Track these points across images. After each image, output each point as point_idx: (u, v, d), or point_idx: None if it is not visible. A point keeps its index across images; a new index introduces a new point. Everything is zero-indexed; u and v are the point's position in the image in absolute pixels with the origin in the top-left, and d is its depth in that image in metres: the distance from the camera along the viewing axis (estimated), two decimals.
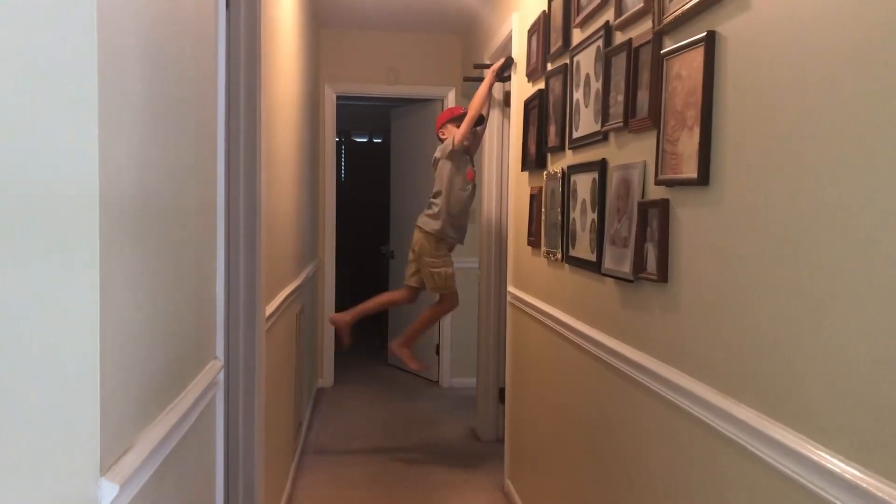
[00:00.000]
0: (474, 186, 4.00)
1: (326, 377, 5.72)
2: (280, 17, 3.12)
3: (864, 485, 1.04)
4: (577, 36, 2.48)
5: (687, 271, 1.64)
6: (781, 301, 1.28)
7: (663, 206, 1.72)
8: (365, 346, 7.19)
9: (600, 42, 2.20)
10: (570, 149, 2.56)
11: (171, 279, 1.42)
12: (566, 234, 2.56)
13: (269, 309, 2.73)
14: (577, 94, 2.45)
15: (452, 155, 3.86)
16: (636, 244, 1.86)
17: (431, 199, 3.98)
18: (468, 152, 3.97)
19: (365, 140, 8.99)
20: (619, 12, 2.04)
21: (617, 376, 2.06)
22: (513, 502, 3.50)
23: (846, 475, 1.08)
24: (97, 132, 1.01)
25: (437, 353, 5.78)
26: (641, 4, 1.87)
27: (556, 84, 2.70)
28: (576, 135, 2.46)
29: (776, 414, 1.29)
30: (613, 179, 2.07)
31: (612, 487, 2.11)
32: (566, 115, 2.59)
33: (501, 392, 4.39)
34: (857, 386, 1.09)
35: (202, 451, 1.71)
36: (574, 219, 2.46)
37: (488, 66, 4.13)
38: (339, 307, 5.99)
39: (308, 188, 4.67)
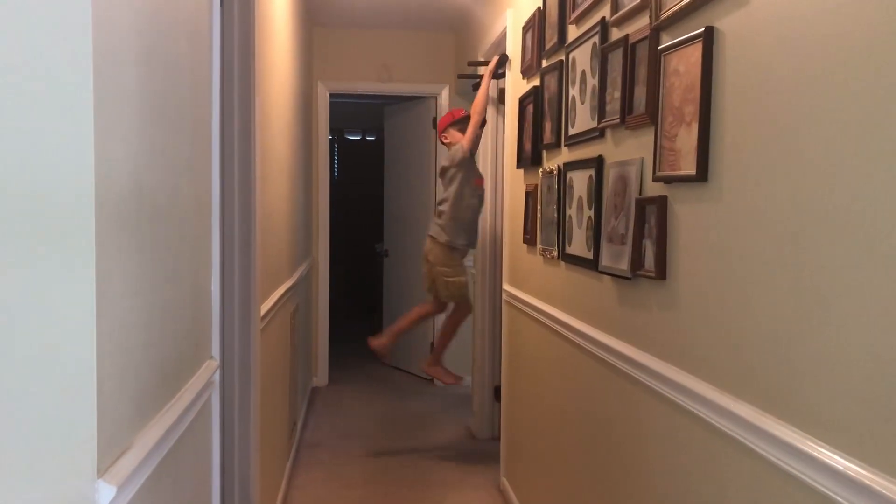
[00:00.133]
0: (483, 192, 4.00)
1: (321, 376, 5.70)
2: (273, 14, 3.10)
3: (867, 481, 1.04)
4: (573, 32, 2.47)
5: (685, 268, 1.63)
6: (781, 298, 1.27)
7: (661, 202, 1.72)
8: (359, 345, 7.18)
9: (596, 38, 2.19)
10: (565, 146, 2.55)
11: (167, 278, 1.41)
12: (562, 231, 2.55)
13: (265, 308, 2.71)
14: (573, 91, 2.44)
15: (463, 163, 3.84)
16: (634, 241, 1.85)
17: (439, 208, 3.96)
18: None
19: (358, 138, 8.97)
20: (615, 8, 2.04)
21: (614, 374, 2.06)
22: (509, 500, 3.50)
23: (848, 472, 1.07)
24: (93, 130, 0.99)
25: (432, 351, 5.76)
26: (638, 1, 1.86)
27: (552, 81, 2.70)
28: (572, 132, 2.46)
29: (776, 411, 1.28)
30: (610, 176, 2.06)
31: (610, 485, 2.10)
32: (562, 111, 2.59)
33: (497, 390, 4.39)
34: (857, 382, 1.09)
35: (198, 452, 1.70)
36: (570, 216, 2.46)
37: (482, 64, 4.13)
38: (334, 306, 5.98)
39: (302, 186, 4.65)
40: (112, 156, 1.08)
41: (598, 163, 2.17)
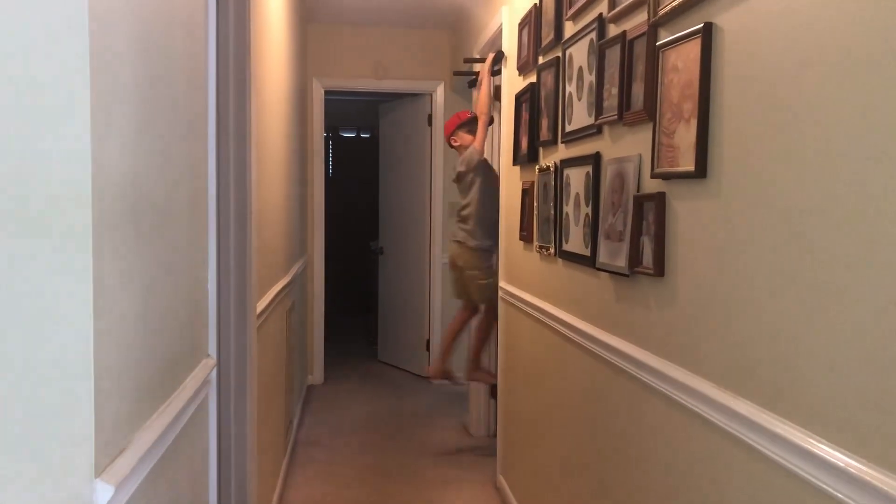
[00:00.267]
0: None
1: (317, 374, 5.69)
2: (268, 11, 3.09)
3: (868, 478, 1.04)
4: (570, 29, 2.47)
5: (684, 265, 1.63)
6: (781, 294, 1.27)
7: (660, 199, 1.71)
8: (354, 343, 7.17)
9: (593, 35, 2.19)
10: (562, 143, 2.55)
11: (164, 276, 1.40)
12: (559, 228, 2.55)
13: (261, 306, 2.70)
14: (570, 88, 2.43)
15: (480, 166, 3.84)
16: (632, 238, 1.85)
17: (462, 213, 3.95)
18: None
19: (353, 135, 8.96)
20: (612, 5, 2.03)
21: (612, 371, 2.05)
22: (505, 498, 3.50)
23: (849, 468, 1.07)
24: (89, 126, 0.98)
25: (428, 349, 5.77)
26: None
27: (548, 77, 2.69)
28: (569, 128, 2.45)
29: (776, 407, 1.28)
30: (608, 173, 2.06)
31: (608, 483, 2.10)
32: (558, 108, 2.58)
33: (493, 388, 4.38)
34: (858, 378, 1.09)
35: (195, 450, 1.69)
36: (567, 213, 2.45)
37: (478, 61, 4.12)
38: (329, 303, 5.97)
39: (297, 184, 4.64)
40: (109, 152, 1.07)
41: (595, 160, 2.17)
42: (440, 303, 5.67)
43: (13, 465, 0.97)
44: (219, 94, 2.12)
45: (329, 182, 6.27)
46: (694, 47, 1.55)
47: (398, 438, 4.47)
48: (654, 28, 1.76)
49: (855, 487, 1.06)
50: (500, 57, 3.63)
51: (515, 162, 3.24)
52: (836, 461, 1.10)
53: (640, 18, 1.86)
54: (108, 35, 1.07)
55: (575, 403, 2.43)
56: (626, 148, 1.96)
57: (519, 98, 3.17)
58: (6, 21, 0.95)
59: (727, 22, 1.45)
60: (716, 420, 1.46)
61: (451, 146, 4.09)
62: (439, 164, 5.65)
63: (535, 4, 2.87)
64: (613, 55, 2.02)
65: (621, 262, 1.92)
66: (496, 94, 4.11)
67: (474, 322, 4.17)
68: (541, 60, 2.83)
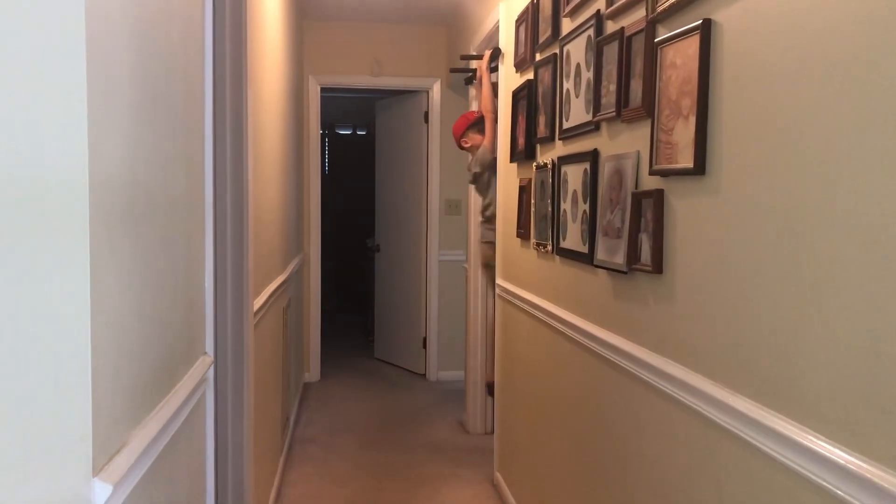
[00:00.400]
0: None
1: (313, 372, 5.69)
2: (264, 8, 3.08)
3: (867, 474, 1.04)
4: (567, 25, 2.46)
5: (682, 262, 1.63)
6: (780, 291, 1.27)
7: (658, 196, 1.71)
8: (351, 340, 7.17)
9: (591, 31, 2.18)
10: (560, 139, 2.54)
11: (161, 273, 1.39)
12: (556, 225, 2.55)
13: (257, 303, 2.70)
14: (568, 84, 2.43)
15: (494, 164, 3.83)
16: (630, 235, 1.85)
17: (486, 213, 3.94)
18: None
19: (349, 133, 8.94)
20: (610, 1, 2.03)
21: (610, 368, 2.05)
22: (502, 495, 3.50)
23: (848, 465, 1.07)
24: (86, 122, 0.98)
25: (424, 346, 5.77)
26: None
27: (546, 74, 2.69)
28: (566, 125, 2.45)
29: (774, 404, 1.28)
30: (606, 170, 2.06)
31: (606, 479, 2.10)
32: (556, 105, 2.58)
33: (490, 385, 4.38)
34: (857, 374, 1.09)
35: (193, 448, 1.69)
36: (565, 210, 2.45)
37: (475, 58, 4.11)
38: (325, 301, 5.97)
39: (293, 181, 4.63)
40: (106, 149, 1.06)
41: (593, 156, 2.16)
42: (437, 300, 5.67)
43: (11, 464, 0.97)
44: (215, 92, 2.11)
45: (325, 179, 6.25)
46: (692, 44, 1.54)
47: (395, 435, 4.46)
48: (652, 24, 1.76)
49: (854, 484, 1.06)
50: (497, 54, 3.62)
51: (512, 159, 3.24)
52: (834, 457, 1.10)
53: (638, 15, 1.86)
54: (105, 32, 1.06)
55: (572, 401, 2.43)
56: (624, 145, 1.96)
57: (516, 95, 3.16)
58: (2, 17, 0.94)
59: (726, 18, 1.45)
60: (713, 416, 1.46)
61: (463, 148, 4.04)
62: (436, 162, 5.65)
63: (533, 1, 2.86)
64: (611, 52, 2.01)
65: (619, 259, 1.92)
66: (493, 90, 4.11)
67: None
68: (538, 57, 2.83)
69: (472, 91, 4.51)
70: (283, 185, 3.90)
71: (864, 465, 1.05)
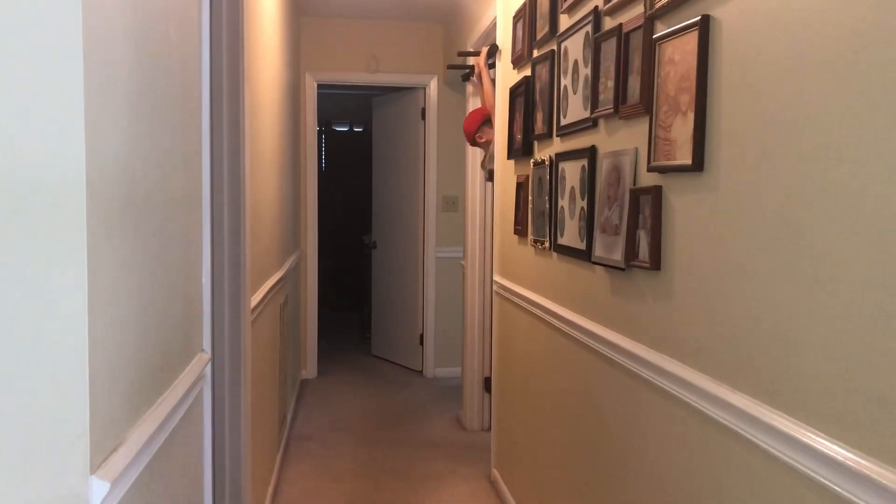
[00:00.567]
0: None
1: (310, 369, 5.68)
2: (261, 4, 3.07)
3: (866, 471, 1.04)
4: (565, 22, 2.46)
5: (681, 258, 1.63)
6: (779, 287, 1.27)
7: (656, 192, 1.71)
8: (348, 337, 7.16)
9: (589, 28, 2.18)
10: (557, 136, 2.54)
11: (158, 269, 1.38)
12: (554, 222, 2.54)
13: (254, 300, 2.69)
14: (565, 81, 2.43)
15: None
16: (628, 232, 1.84)
17: None
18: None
19: (346, 129, 8.93)
20: None
21: (607, 364, 2.05)
22: (500, 491, 3.50)
23: (848, 462, 1.07)
24: (83, 117, 0.97)
25: (421, 343, 5.76)
26: None
27: (543, 71, 2.68)
28: (564, 122, 2.45)
29: (774, 401, 1.28)
30: (603, 166, 2.05)
31: (604, 476, 2.10)
32: (553, 102, 2.57)
33: (487, 381, 4.39)
34: (856, 371, 1.08)
35: (190, 445, 1.68)
36: (562, 207, 2.45)
37: (472, 54, 4.10)
38: (322, 298, 5.96)
39: (290, 178, 4.62)
40: (103, 145, 1.06)
41: (591, 153, 2.16)
42: (434, 297, 5.67)
43: (8, 461, 0.96)
44: (212, 88, 2.11)
45: (322, 176, 6.24)
46: (691, 40, 1.54)
47: (392, 432, 4.46)
48: (650, 21, 1.76)
49: (853, 481, 1.06)
50: (494, 50, 3.61)
51: (510, 156, 3.23)
52: (834, 454, 1.10)
53: (636, 11, 1.85)
54: (103, 28, 1.06)
55: (570, 398, 2.43)
56: (622, 141, 1.96)
57: (513, 91, 3.16)
58: (0, 14, 0.93)
59: (725, 14, 1.44)
60: (712, 413, 1.46)
61: (478, 143, 3.97)
62: (433, 158, 5.64)
63: None
64: (609, 48, 2.01)
65: (617, 256, 1.92)
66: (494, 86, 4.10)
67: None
68: (535, 54, 2.82)
69: (470, 88, 4.50)
70: (279, 182, 3.89)
71: (863, 462, 1.05)
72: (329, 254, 7.70)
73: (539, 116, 2.75)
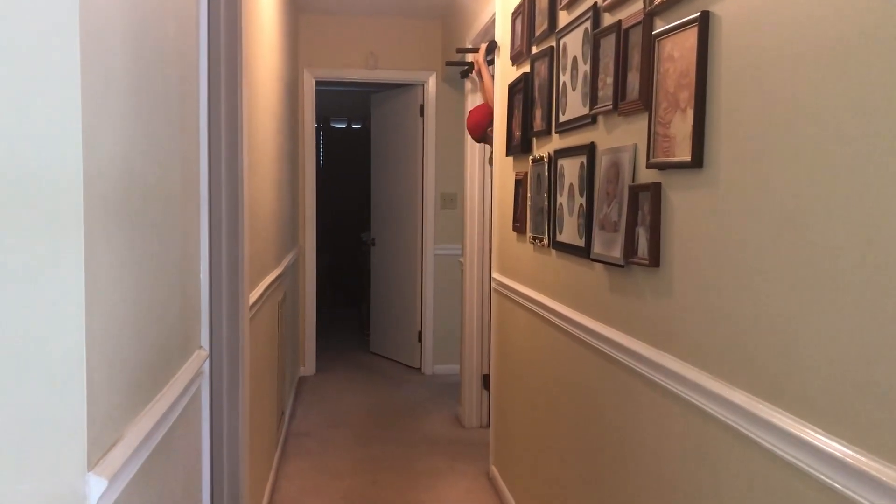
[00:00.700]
0: None
1: (308, 366, 5.68)
2: (259, 1, 3.06)
3: (866, 468, 1.03)
4: (564, 18, 2.45)
5: (680, 255, 1.62)
6: (778, 284, 1.26)
7: (655, 189, 1.71)
8: (346, 334, 7.16)
9: (588, 24, 2.18)
10: (556, 133, 2.54)
11: (156, 266, 1.38)
12: (553, 219, 2.54)
13: (253, 297, 2.69)
14: (564, 78, 2.42)
15: None
16: (627, 229, 1.84)
17: None
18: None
19: (343, 126, 8.92)
20: None
21: (606, 361, 2.05)
22: (498, 488, 3.50)
23: (847, 459, 1.07)
24: (80, 113, 0.97)
25: (420, 340, 5.76)
26: None
27: (542, 67, 2.68)
28: (563, 118, 2.44)
29: (773, 398, 1.28)
30: (602, 163, 2.05)
31: (602, 473, 2.10)
32: (552, 98, 2.57)
33: (485, 378, 4.39)
34: (857, 369, 1.08)
35: (188, 442, 1.68)
36: (561, 204, 2.44)
37: (471, 51, 4.10)
38: (320, 295, 5.95)
39: (288, 175, 4.61)
40: (100, 141, 1.05)
41: (589, 150, 2.16)
42: (432, 294, 5.67)
43: (5, 458, 0.96)
44: (210, 85, 2.10)
45: (320, 173, 6.24)
46: (690, 36, 1.54)
47: (391, 429, 4.46)
48: (649, 17, 1.75)
49: (853, 478, 1.06)
50: (493, 47, 3.61)
51: (508, 152, 3.23)
52: (833, 451, 1.10)
53: (635, 7, 1.85)
54: (100, 24, 1.05)
55: (568, 394, 2.43)
56: (621, 138, 1.95)
57: (512, 88, 3.15)
58: None
59: (724, 10, 1.44)
60: (710, 410, 1.46)
61: (488, 137, 3.92)
62: (431, 155, 5.63)
63: None
64: (608, 44, 2.00)
65: (616, 253, 1.91)
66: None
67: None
68: (534, 50, 2.82)
69: (468, 84, 4.50)
70: (278, 179, 3.89)
71: (862, 459, 1.05)
72: (327, 251, 7.69)
73: (538, 113, 2.74)
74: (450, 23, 5.28)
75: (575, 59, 2.31)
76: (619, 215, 1.90)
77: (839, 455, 1.09)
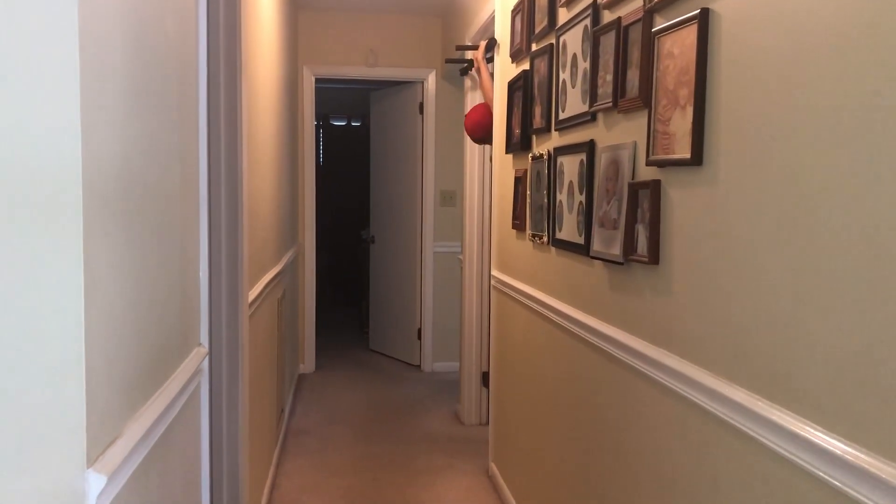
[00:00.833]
0: None
1: (308, 363, 5.68)
2: None
3: (865, 465, 1.04)
4: (563, 15, 2.45)
5: (679, 253, 1.62)
6: (778, 281, 1.26)
7: (655, 187, 1.71)
8: (346, 331, 7.16)
9: (588, 21, 2.17)
10: (556, 130, 2.53)
11: (155, 263, 1.38)
12: (552, 216, 2.54)
13: (252, 295, 2.69)
14: (564, 75, 2.42)
15: None
16: (626, 226, 1.84)
17: None
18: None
19: (343, 124, 8.91)
20: None
21: (605, 359, 2.05)
22: (497, 486, 3.50)
23: (847, 456, 1.07)
24: (79, 110, 0.96)
25: (419, 337, 5.76)
26: None
27: (542, 65, 2.67)
28: (562, 116, 2.44)
29: (772, 395, 1.28)
30: (602, 161, 2.05)
31: (602, 470, 2.10)
32: (552, 96, 2.57)
33: (484, 376, 4.39)
34: (856, 366, 1.08)
35: (188, 439, 1.68)
36: (560, 201, 2.44)
37: (470, 48, 4.09)
38: (320, 292, 5.95)
39: (288, 172, 4.61)
40: (99, 139, 1.05)
41: (589, 147, 2.15)
42: (431, 291, 5.67)
43: (4, 455, 0.96)
44: (210, 82, 2.10)
45: (320, 171, 6.23)
46: (690, 33, 1.53)
47: (390, 427, 4.46)
48: (649, 14, 1.75)
49: (852, 475, 1.06)
50: (492, 44, 3.60)
51: (508, 150, 3.23)
52: (832, 448, 1.10)
53: (635, 4, 1.85)
54: (98, 20, 1.05)
55: (567, 392, 2.43)
56: (620, 135, 1.95)
57: (511, 85, 3.15)
58: None
59: (724, 7, 1.44)
60: (710, 407, 1.46)
61: (489, 138, 3.92)
62: (430, 153, 5.63)
63: None
64: (608, 42, 2.00)
65: (615, 251, 1.91)
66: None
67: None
68: (534, 47, 2.82)
69: (468, 82, 4.49)
70: (277, 177, 3.89)
71: (862, 456, 1.05)
72: (327, 248, 7.69)
73: (537, 111, 2.74)
74: (449, 20, 5.27)
75: (574, 56, 2.31)
76: (619, 213, 1.90)
77: (838, 452, 1.09)
